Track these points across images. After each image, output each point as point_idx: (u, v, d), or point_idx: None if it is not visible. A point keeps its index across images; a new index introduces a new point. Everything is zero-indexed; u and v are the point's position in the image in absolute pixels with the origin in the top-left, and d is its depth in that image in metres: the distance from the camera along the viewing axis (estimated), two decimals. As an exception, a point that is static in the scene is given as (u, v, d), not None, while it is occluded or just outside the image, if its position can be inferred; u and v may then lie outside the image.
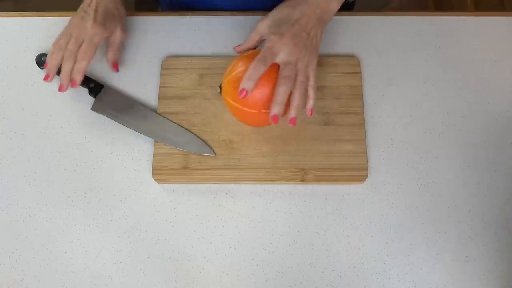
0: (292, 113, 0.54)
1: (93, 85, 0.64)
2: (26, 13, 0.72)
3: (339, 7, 0.60)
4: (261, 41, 0.59)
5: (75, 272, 0.58)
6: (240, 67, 0.55)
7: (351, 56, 0.67)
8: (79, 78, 0.61)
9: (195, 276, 0.57)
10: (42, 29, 0.70)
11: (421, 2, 1.52)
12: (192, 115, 0.63)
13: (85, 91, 0.65)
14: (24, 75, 0.68)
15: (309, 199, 0.60)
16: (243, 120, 0.59)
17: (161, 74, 0.66)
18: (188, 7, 0.76)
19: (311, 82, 0.55)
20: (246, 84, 0.52)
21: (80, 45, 0.61)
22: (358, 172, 0.60)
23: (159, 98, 0.64)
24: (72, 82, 0.61)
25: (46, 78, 0.62)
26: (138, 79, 0.67)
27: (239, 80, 0.53)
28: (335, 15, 0.69)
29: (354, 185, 0.61)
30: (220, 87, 0.57)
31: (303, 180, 0.59)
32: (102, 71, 0.67)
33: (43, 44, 0.69)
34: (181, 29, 0.70)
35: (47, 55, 0.63)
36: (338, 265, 0.57)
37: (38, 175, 0.62)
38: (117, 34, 0.65)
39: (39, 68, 0.67)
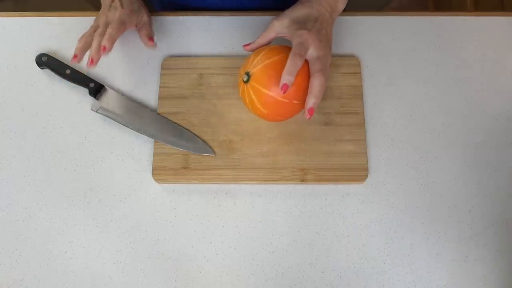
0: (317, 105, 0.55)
1: (93, 85, 0.64)
2: (26, 13, 0.72)
3: (343, 8, 0.61)
4: (273, 40, 0.59)
5: (75, 272, 0.58)
6: (273, 56, 0.55)
7: (351, 56, 0.67)
8: (109, 45, 0.58)
9: (195, 276, 0.57)
10: (42, 29, 0.70)
11: (421, 2, 1.52)
12: (192, 115, 0.63)
13: (85, 91, 0.65)
14: (24, 75, 0.68)
15: (309, 199, 0.60)
16: (266, 110, 0.57)
17: (161, 74, 0.66)
18: (181, 6, 0.76)
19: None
20: (287, 78, 0.52)
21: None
22: (358, 172, 0.60)
23: (159, 98, 0.64)
24: (102, 48, 0.58)
25: (74, 58, 0.59)
26: (138, 79, 0.67)
27: (274, 68, 0.54)
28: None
29: (354, 185, 0.61)
30: (248, 75, 0.55)
31: (303, 180, 0.59)
32: (102, 71, 0.67)
33: (43, 44, 0.69)
34: (181, 29, 0.70)
35: (76, 46, 0.60)
36: (338, 265, 0.57)
37: (38, 175, 0.62)
38: (145, 18, 0.66)
39: (39, 68, 0.67)
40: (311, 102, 0.54)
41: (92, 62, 0.58)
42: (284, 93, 0.53)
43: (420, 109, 0.64)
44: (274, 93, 0.54)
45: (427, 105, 0.64)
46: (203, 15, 0.71)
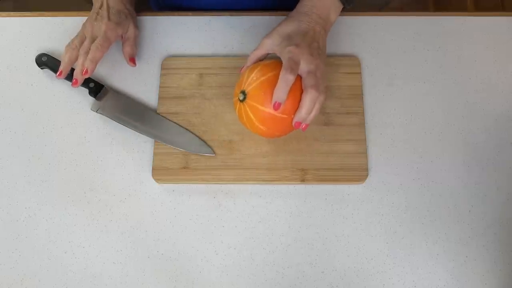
0: (309, 121, 0.55)
1: (93, 85, 0.64)
2: (26, 13, 0.72)
3: (336, 18, 0.61)
4: (264, 57, 0.59)
5: (75, 272, 0.58)
6: (268, 72, 0.55)
7: (351, 56, 0.67)
8: (91, 67, 0.61)
9: (195, 276, 0.57)
10: (42, 29, 0.70)
11: (421, 2, 1.52)
12: (192, 115, 0.63)
13: (85, 91, 0.65)
14: (24, 75, 0.68)
15: (309, 199, 0.60)
16: (265, 127, 0.56)
17: (161, 74, 0.66)
18: (176, 6, 0.76)
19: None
20: (278, 96, 0.52)
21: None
22: (358, 172, 0.60)
23: (159, 98, 0.64)
24: (84, 72, 0.61)
25: (59, 74, 0.63)
26: (138, 79, 0.67)
27: (270, 84, 0.53)
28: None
29: (354, 185, 0.61)
30: (244, 94, 0.55)
31: (303, 180, 0.59)
32: (102, 71, 0.67)
33: (43, 44, 0.69)
34: (181, 29, 0.70)
35: (62, 55, 0.63)
36: (338, 265, 0.57)
37: (38, 175, 0.62)
38: (131, 31, 0.66)
39: (39, 68, 0.67)
40: (297, 116, 0.54)
41: (76, 82, 0.62)
42: (276, 110, 0.53)
43: (420, 109, 0.64)
44: (272, 109, 0.54)
45: (427, 105, 0.64)
46: (203, 15, 0.71)
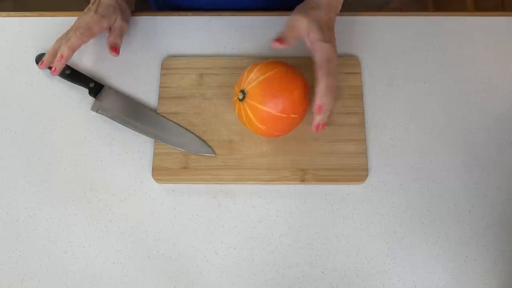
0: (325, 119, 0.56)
1: (93, 85, 0.64)
2: (26, 13, 0.72)
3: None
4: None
5: (75, 272, 0.58)
6: (268, 71, 0.54)
7: (351, 56, 0.67)
8: (67, 53, 0.61)
9: (195, 276, 0.57)
10: (42, 29, 0.70)
11: (421, 2, 1.52)
12: (192, 115, 0.63)
13: (85, 91, 0.65)
14: (24, 75, 0.68)
15: (309, 199, 0.60)
16: (264, 126, 0.56)
17: (161, 74, 0.66)
18: (176, 6, 0.76)
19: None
20: (326, 102, 0.53)
21: None
22: (358, 172, 0.60)
23: (159, 98, 0.64)
24: (59, 58, 0.61)
25: (41, 64, 0.64)
26: (138, 79, 0.67)
27: (269, 83, 0.54)
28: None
29: (354, 185, 0.61)
30: (244, 93, 0.55)
31: (303, 180, 0.59)
32: (102, 71, 0.67)
33: (43, 44, 0.69)
34: (181, 29, 0.70)
35: None
36: (338, 265, 0.57)
37: (38, 175, 0.62)
38: (118, 22, 0.66)
39: (39, 68, 0.67)
40: (317, 103, 0.54)
41: (55, 70, 0.62)
42: (320, 113, 0.54)
43: (420, 109, 0.64)
44: (271, 108, 0.54)
45: (427, 105, 0.64)
46: (203, 15, 0.71)
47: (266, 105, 0.54)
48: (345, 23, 0.69)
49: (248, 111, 0.55)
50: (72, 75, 0.65)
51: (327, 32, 0.56)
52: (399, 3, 1.48)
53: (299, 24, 0.56)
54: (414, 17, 0.69)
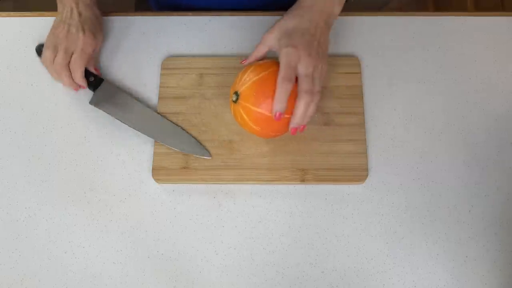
0: (305, 122, 0.55)
1: (93, 79, 0.64)
2: (26, 13, 0.72)
3: (340, 10, 0.59)
4: (266, 53, 0.58)
5: (75, 272, 0.58)
6: (261, 72, 0.54)
7: (351, 56, 0.67)
8: (85, 84, 0.63)
9: (195, 276, 0.57)
10: (42, 29, 0.70)
11: (421, 2, 1.52)
12: (192, 115, 0.63)
13: (85, 91, 0.65)
14: (24, 75, 0.68)
15: (309, 199, 0.60)
16: (259, 127, 0.57)
17: (161, 74, 0.66)
18: (176, 5, 0.76)
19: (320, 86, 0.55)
20: (279, 107, 0.52)
21: (70, 57, 0.62)
22: (358, 172, 0.60)
23: (159, 98, 0.64)
24: (81, 87, 0.64)
25: (76, 89, 0.65)
26: (138, 79, 0.67)
27: (262, 84, 0.53)
28: (335, 15, 0.69)
29: (354, 185, 0.61)
30: (237, 95, 0.55)
31: (303, 180, 0.59)
32: (102, 71, 0.67)
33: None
34: (181, 29, 0.70)
35: (51, 74, 0.64)
36: (338, 265, 0.57)
37: (38, 175, 0.62)
38: (99, 43, 0.66)
39: (39, 69, 0.67)
40: (292, 123, 0.54)
41: (77, 89, 0.65)
42: (278, 120, 0.53)
43: (420, 109, 0.64)
44: (264, 109, 0.54)
45: (427, 105, 0.64)
46: (203, 15, 0.71)
47: (259, 106, 0.54)
48: (345, 23, 0.69)
49: (242, 112, 0.55)
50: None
51: (297, 38, 0.54)
52: (399, 3, 1.48)
53: (268, 38, 0.56)
54: (414, 17, 0.69)
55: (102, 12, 0.68)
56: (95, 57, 0.66)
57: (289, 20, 0.56)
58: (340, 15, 0.61)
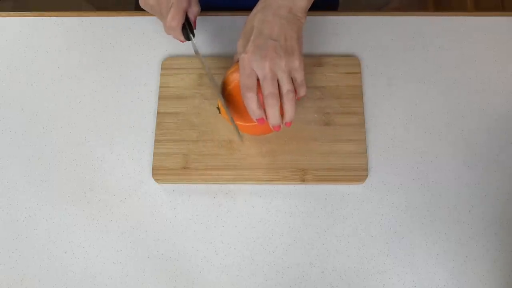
0: (288, 120, 0.54)
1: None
2: (26, 13, 0.72)
3: (310, 3, 0.56)
4: None
5: (75, 272, 0.58)
6: (231, 83, 0.56)
7: (351, 56, 0.67)
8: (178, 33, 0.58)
9: (195, 276, 0.57)
10: (42, 29, 0.70)
11: (421, 2, 1.53)
12: (192, 115, 0.63)
13: (85, 90, 0.65)
14: (24, 75, 0.68)
15: (309, 199, 0.60)
16: (246, 132, 0.60)
17: (161, 74, 0.66)
18: None
19: (299, 81, 0.54)
20: (254, 114, 0.53)
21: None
22: (358, 172, 0.60)
23: (159, 98, 0.64)
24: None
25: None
26: (138, 79, 0.67)
27: (233, 96, 0.55)
28: (335, 15, 0.69)
29: (354, 185, 0.61)
30: (218, 109, 0.57)
31: (303, 180, 0.59)
32: (102, 71, 0.67)
33: (43, 44, 0.69)
34: (181, 29, 0.70)
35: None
36: (338, 265, 0.57)
37: (38, 175, 0.62)
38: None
39: (39, 68, 0.67)
40: (271, 124, 0.54)
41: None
42: (262, 124, 0.53)
43: (420, 109, 0.64)
44: (240, 121, 0.56)
45: (427, 105, 0.64)
46: (203, 15, 0.70)
47: (235, 119, 0.56)
48: (345, 23, 0.69)
49: (229, 123, 0.57)
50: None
51: (254, 41, 0.52)
52: (399, 3, 1.48)
53: (238, 47, 0.56)
54: (414, 17, 0.69)
55: (102, 12, 0.68)
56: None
57: (247, 23, 0.56)
58: (340, 15, 0.61)
